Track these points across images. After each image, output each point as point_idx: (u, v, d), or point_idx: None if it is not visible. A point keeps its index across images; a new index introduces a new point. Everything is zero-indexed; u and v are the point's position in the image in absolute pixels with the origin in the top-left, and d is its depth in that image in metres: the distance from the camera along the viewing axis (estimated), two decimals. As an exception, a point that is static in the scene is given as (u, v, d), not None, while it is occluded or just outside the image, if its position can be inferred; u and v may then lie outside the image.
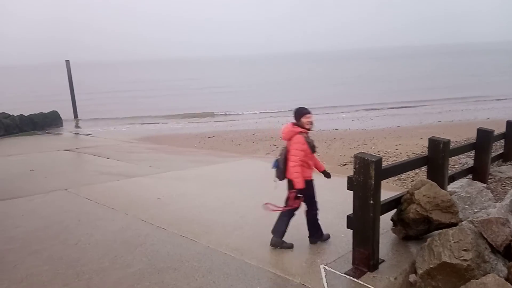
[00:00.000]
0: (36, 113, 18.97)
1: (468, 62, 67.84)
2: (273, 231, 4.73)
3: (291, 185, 4.56)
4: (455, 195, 5.15)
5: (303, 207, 4.71)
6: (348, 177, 4.27)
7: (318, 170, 4.88)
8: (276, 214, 4.72)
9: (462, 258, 3.64)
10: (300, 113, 4.56)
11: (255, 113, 23.58)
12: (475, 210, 4.95)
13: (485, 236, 3.82)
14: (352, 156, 4.37)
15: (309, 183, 4.61)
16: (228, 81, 50.15)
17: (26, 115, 18.13)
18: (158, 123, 21.38)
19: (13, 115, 17.57)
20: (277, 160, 4.61)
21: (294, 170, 4.45)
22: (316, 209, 4.77)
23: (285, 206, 4.61)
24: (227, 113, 23.98)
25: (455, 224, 4.29)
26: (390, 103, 24.52)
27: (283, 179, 4.64)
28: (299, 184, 4.44)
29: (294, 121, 4.61)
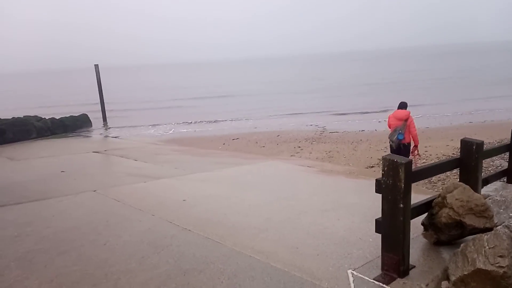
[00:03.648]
0: (67, 116, 19.57)
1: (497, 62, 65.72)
2: None
3: (408, 146, 8.00)
4: (489, 199, 4.96)
5: None
6: (376, 179, 4.16)
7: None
8: (298, 216, 5.41)
9: (498, 265, 3.48)
10: (406, 104, 8.11)
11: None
12: (511, 214, 4.74)
13: (522, 242, 3.64)
14: (380, 158, 4.29)
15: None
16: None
17: (57, 118, 18.71)
18: (183, 125, 21.62)
19: (44, 118, 18.10)
20: (401, 133, 7.77)
21: (416, 134, 8.07)
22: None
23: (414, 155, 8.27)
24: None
25: (489, 229, 4.11)
26: (418, 104, 23.92)
27: (409, 141, 7.98)
28: (418, 141, 8.23)
29: (401, 109, 8.02)
